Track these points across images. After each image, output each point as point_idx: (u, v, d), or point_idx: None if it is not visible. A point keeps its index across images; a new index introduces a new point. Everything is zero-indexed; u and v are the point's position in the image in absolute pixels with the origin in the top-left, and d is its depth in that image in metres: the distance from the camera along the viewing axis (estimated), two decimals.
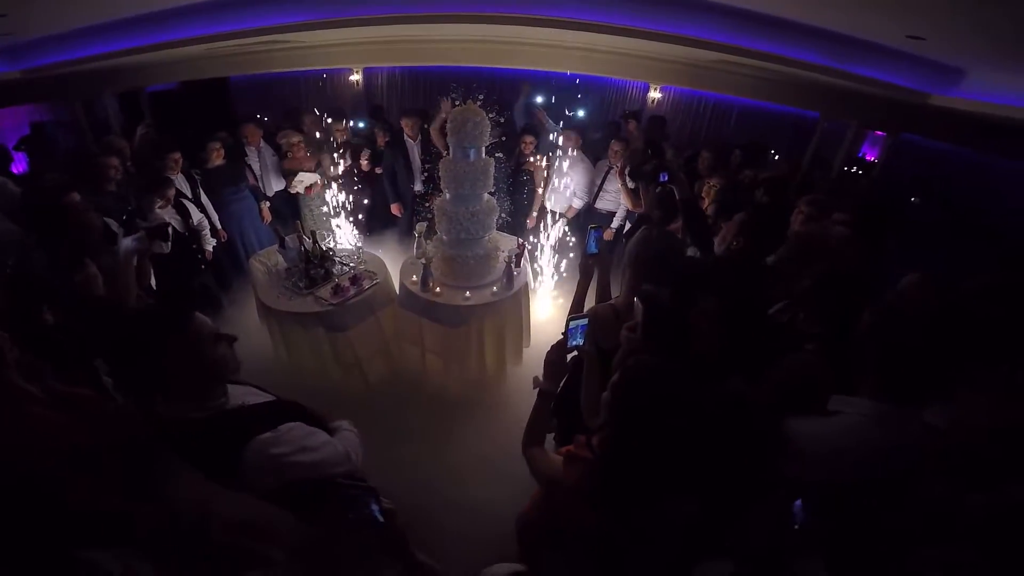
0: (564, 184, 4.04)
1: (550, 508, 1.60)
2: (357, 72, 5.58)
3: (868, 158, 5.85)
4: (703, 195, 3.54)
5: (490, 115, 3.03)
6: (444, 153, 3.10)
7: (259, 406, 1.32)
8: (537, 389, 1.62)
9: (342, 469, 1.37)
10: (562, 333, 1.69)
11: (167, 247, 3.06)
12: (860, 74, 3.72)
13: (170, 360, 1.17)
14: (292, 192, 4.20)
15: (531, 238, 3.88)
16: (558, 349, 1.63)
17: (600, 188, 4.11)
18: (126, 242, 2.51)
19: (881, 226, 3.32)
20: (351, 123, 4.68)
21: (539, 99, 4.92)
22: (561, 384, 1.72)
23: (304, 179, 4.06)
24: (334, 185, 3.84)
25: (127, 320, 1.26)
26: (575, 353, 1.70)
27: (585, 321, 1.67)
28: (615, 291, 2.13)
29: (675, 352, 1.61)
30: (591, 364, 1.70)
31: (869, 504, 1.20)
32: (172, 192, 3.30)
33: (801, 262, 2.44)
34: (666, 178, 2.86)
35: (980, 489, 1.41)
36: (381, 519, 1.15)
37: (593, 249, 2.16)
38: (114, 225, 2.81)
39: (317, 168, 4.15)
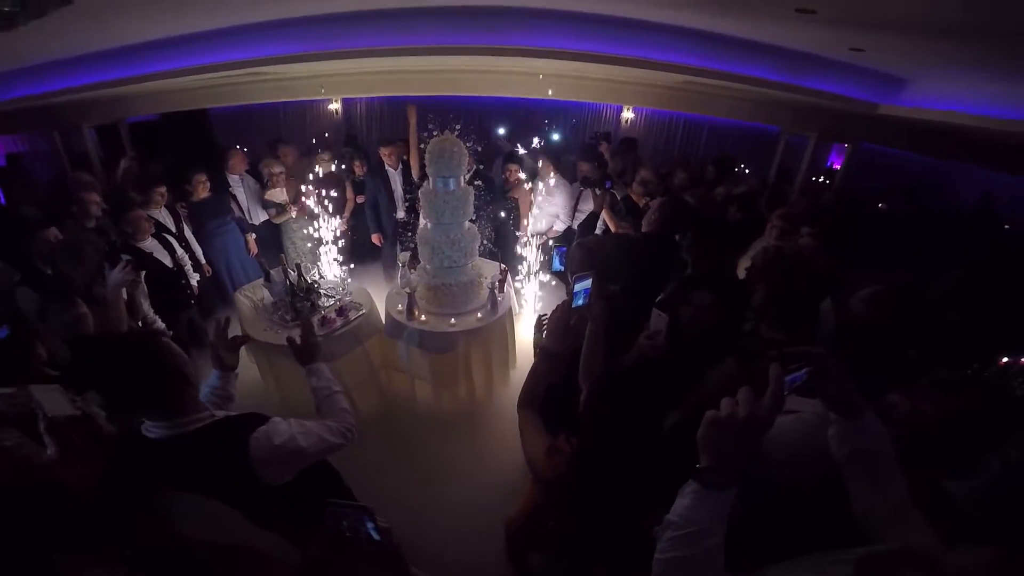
0: (545, 210, 4.18)
1: (536, 508, 1.67)
2: (336, 101, 5.67)
3: (835, 166, 6.11)
4: None
5: (467, 144, 3.15)
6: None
7: (243, 414, 1.43)
8: (539, 348, 1.65)
9: (339, 442, 1.48)
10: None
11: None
12: (813, 88, 3.94)
13: (155, 374, 1.27)
14: (275, 222, 4.26)
15: (518, 265, 3.99)
16: (563, 309, 1.66)
17: (575, 209, 4.25)
18: (113, 275, 2.53)
19: (844, 237, 3.52)
20: (329, 152, 4.75)
21: (501, 130, 5.04)
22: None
23: (274, 196, 4.14)
24: (317, 216, 3.89)
25: (107, 347, 1.36)
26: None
27: (589, 282, 1.71)
28: None
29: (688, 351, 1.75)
30: (595, 325, 1.74)
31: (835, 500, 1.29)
32: (143, 215, 3.31)
33: (760, 275, 2.63)
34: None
35: (957, 477, 1.53)
36: (377, 537, 1.22)
37: (558, 267, 2.31)
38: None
39: (296, 199, 4.21)
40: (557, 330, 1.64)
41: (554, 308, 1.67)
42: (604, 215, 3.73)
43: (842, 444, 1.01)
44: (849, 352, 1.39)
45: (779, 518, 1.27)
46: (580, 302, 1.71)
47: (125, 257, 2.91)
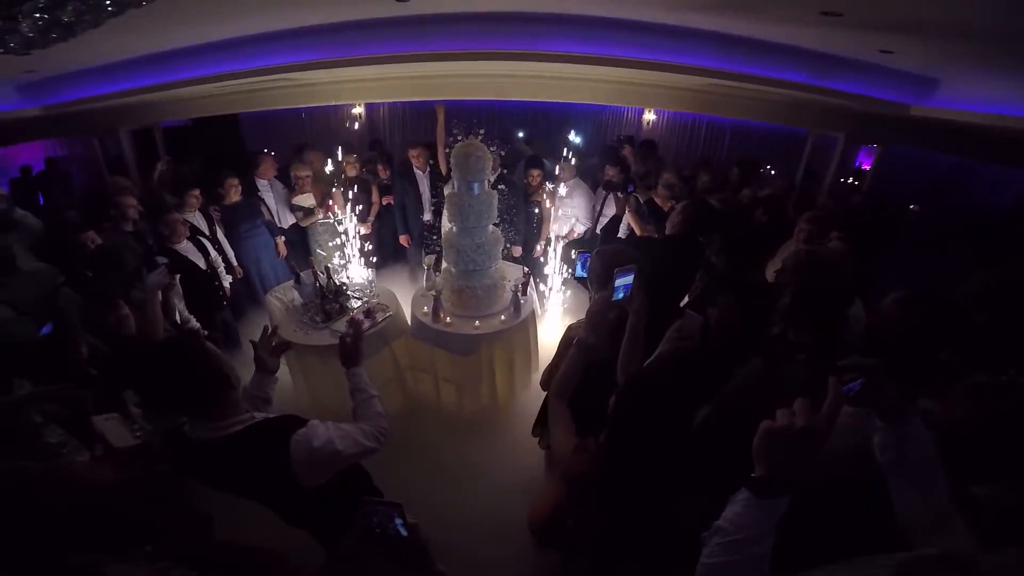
0: (564, 213, 4.20)
1: (557, 506, 1.67)
2: (360, 105, 5.77)
3: (864, 167, 5.97)
4: None
5: (491, 148, 3.19)
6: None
7: (281, 416, 1.47)
8: (576, 340, 1.63)
9: (376, 445, 1.52)
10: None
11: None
12: (841, 89, 3.86)
13: (200, 377, 1.31)
14: (302, 225, 4.36)
15: (542, 267, 4.01)
16: (603, 302, 1.65)
17: (599, 213, 4.24)
18: (150, 277, 2.63)
19: (873, 240, 3.45)
20: (354, 156, 4.83)
21: (520, 133, 5.05)
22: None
23: (301, 201, 4.20)
24: (343, 219, 3.98)
25: (155, 352, 1.41)
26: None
27: (631, 277, 1.68)
28: None
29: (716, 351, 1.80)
30: (636, 319, 1.72)
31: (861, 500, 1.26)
32: (179, 218, 3.42)
33: (790, 279, 2.60)
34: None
35: (988, 482, 1.50)
36: (405, 533, 1.24)
37: (581, 273, 2.32)
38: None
39: (323, 202, 4.31)
40: (595, 322, 1.63)
41: (593, 301, 1.66)
42: (628, 218, 3.73)
43: (887, 450, 1.02)
44: (880, 356, 1.38)
45: (808, 519, 1.28)
46: (620, 296, 1.69)
47: (162, 260, 3.03)
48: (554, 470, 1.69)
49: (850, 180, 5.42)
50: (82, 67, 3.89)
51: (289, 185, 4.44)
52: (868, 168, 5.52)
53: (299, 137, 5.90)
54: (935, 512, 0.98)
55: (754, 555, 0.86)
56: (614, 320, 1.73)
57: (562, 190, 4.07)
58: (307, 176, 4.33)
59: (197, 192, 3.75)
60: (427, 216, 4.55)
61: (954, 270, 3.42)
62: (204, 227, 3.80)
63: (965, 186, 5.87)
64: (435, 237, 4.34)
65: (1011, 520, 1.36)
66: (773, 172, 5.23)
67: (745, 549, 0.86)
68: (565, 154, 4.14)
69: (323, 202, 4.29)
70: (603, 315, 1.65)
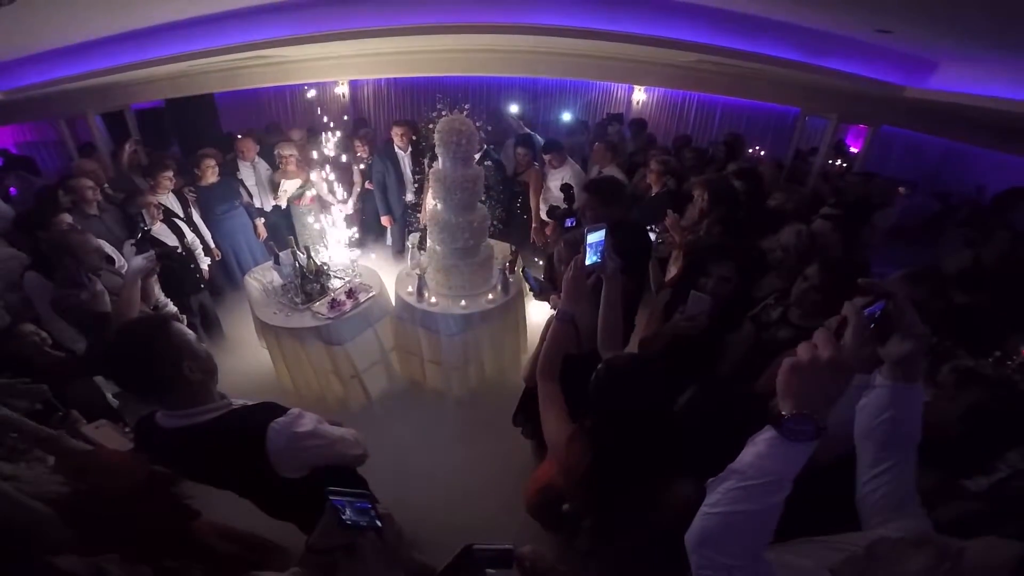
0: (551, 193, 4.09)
1: (551, 487, 1.62)
2: (343, 84, 5.59)
3: (853, 149, 5.95)
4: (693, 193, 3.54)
5: (477, 124, 3.08)
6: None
7: (263, 402, 1.37)
8: (555, 311, 1.53)
9: (358, 452, 1.45)
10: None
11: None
12: (836, 69, 3.80)
13: (170, 361, 1.21)
14: (280, 205, 4.22)
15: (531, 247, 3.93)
16: (577, 266, 1.50)
17: None
18: (135, 261, 2.48)
19: (863, 221, 3.42)
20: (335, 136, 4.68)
21: (513, 108, 4.91)
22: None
23: (287, 187, 4.08)
24: (328, 198, 3.86)
25: (114, 332, 1.31)
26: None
27: (602, 234, 1.51)
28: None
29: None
30: (611, 285, 1.58)
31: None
32: (151, 201, 3.28)
33: (796, 262, 2.56)
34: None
35: (975, 475, 1.47)
36: (379, 524, 1.19)
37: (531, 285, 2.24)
38: (108, 247, 2.84)
39: (307, 182, 4.17)
40: (573, 290, 1.50)
41: (567, 267, 1.51)
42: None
43: (881, 411, 0.92)
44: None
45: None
46: (595, 259, 1.51)
47: (149, 249, 2.88)
48: (548, 456, 1.61)
49: (839, 162, 5.39)
50: (45, 49, 3.68)
51: (273, 165, 4.29)
52: (857, 151, 5.50)
53: (283, 117, 5.71)
54: (902, 491, 0.91)
55: (771, 505, 0.76)
56: (594, 286, 1.60)
57: (554, 178, 3.94)
58: (291, 156, 4.17)
59: (170, 173, 3.60)
60: (409, 196, 4.44)
61: (942, 254, 3.41)
62: (179, 209, 3.67)
63: (957, 171, 5.86)
64: (418, 214, 4.23)
65: (1000, 511, 1.32)
66: (763, 153, 5.19)
67: (763, 497, 0.76)
68: (547, 143, 3.96)
69: (305, 182, 4.15)
70: (580, 281, 1.51)
